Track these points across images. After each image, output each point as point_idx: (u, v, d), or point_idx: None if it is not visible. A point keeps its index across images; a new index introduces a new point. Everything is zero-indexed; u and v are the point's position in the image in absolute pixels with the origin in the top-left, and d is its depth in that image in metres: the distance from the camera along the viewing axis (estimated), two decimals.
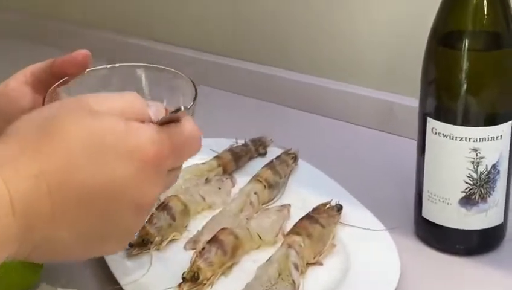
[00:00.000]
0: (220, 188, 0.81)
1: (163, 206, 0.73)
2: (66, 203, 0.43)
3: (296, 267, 0.66)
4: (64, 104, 0.48)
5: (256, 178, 0.80)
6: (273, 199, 0.80)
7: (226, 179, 0.82)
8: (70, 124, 0.44)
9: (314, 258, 0.69)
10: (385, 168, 0.90)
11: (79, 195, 0.44)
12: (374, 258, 0.69)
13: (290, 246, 0.68)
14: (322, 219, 0.72)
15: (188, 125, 0.49)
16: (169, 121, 0.48)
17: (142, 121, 0.47)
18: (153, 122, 0.47)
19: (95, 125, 0.45)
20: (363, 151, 0.95)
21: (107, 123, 0.45)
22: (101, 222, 0.46)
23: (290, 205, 0.78)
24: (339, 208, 0.75)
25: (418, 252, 0.74)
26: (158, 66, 0.59)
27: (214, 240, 0.68)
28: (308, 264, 0.69)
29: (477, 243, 0.72)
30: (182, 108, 0.48)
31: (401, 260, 0.69)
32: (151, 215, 0.72)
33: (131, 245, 0.69)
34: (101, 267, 0.68)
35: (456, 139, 0.67)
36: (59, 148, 0.43)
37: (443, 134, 0.67)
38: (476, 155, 0.67)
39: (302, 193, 0.81)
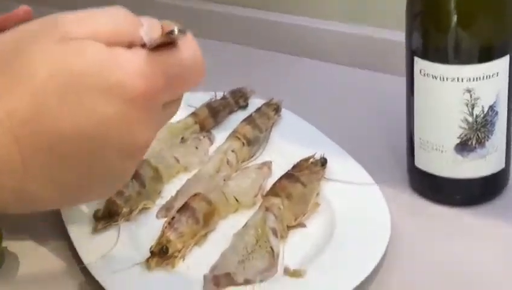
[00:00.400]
0: (197, 148, 0.74)
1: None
2: (36, 152, 0.37)
3: (275, 232, 0.60)
4: (29, 28, 0.39)
5: (234, 135, 0.74)
6: (254, 156, 0.74)
7: (204, 137, 0.76)
8: (36, 56, 0.37)
9: (295, 220, 0.63)
10: (375, 112, 0.82)
11: (51, 142, 0.37)
12: (362, 216, 0.63)
13: (267, 209, 0.62)
14: (303, 176, 0.65)
15: (186, 50, 0.39)
16: (164, 44, 0.39)
17: (131, 45, 0.38)
18: (143, 47, 0.38)
19: (67, 56, 0.37)
20: (351, 94, 0.88)
21: (84, 52, 0.37)
22: (81, 171, 0.39)
23: (271, 161, 0.71)
24: (323, 162, 0.68)
25: (413, 206, 0.67)
26: None
27: (184, 208, 0.62)
28: (290, 227, 0.63)
29: (477, 192, 0.65)
30: (176, 30, 0.38)
31: (395, 215, 0.63)
32: None
33: (96, 218, 0.63)
34: (67, 244, 0.63)
35: (447, 80, 0.60)
36: (25, 87, 0.36)
37: (432, 75, 0.60)
38: (471, 96, 0.60)
39: (286, 147, 0.74)
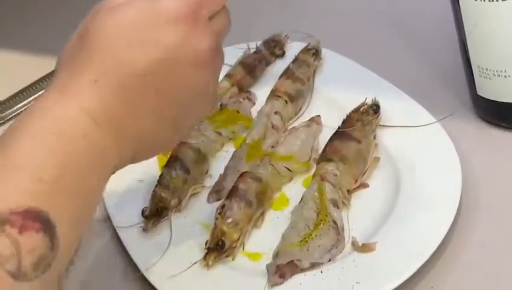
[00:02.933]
0: (238, 112, 0.69)
1: (172, 160, 0.62)
2: (135, 96, 0.43)
3: (335, 203, 0.55)
4: (90, 15, 0.45)
5: (274, 93, 0.68)
6: (300, 111, 0.68)
7: (244, 98, 0.70)
8: (98, 30, 0.43)
9: (356, 182, 0.57)
10: (428, 41, 0.73)
11: (142, 82, 0.43)
12: (428, 164, 0.57)
13: (322, 178, 0.56)
14: (355, 132, 0.59)
15: None
16: None
17: None
18: None
19: (119, 18, 0.43)
20: (400, 25, 0.78)
21: (130, 9, 0.44)
22: (176, 94, 0.45)
23: (319, 115, 0.65)
24: (376, 108, 0.62)
25: (483, 138, 0.61)
26: None
27: (233, 192, 0.57)
28: (352, 191, 0.57)
29: None
30: None
31: (466, 150, 0.58)
32: (161, 176, 0.61)
33: (145, 217, 0.59)
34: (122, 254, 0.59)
35: (497, 0, 0.52)
36: (101, 53, 0.43)
37: None
38: None
39: (333, 93, 0.68)
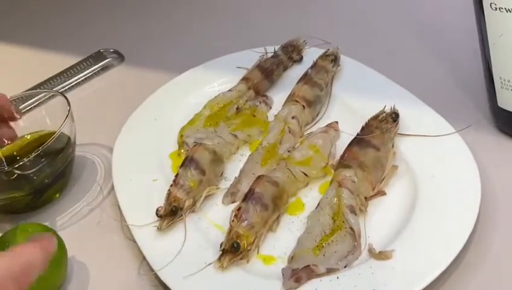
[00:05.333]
0: (254, 116, 0.68)
1: (189, 161, 0.62)
2: None
3: (352, 209, 0.54)
4: None
5: (291, 98, 0.67)
6: (317, 116, 0.68)
7: (260, 102, 0.70)
8: None
9: (373, 189, 0.57)
10: (448, 51, 0.73)
11: None
12: (446, 174, 0.57)
13: (340, 184, 0.56)
14: (374, 139, 0.59)
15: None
16: None
17: None
18: None
19: None
20: (420, 34, 0.79)
21: None
22: None
23: (337, 121, 0.65)
24: (395, 117, 0.61)
25: (502, 149, 0.60)
26: None
27: (249, 195, 0.57)
28: (369, 199, 0.57)
29: None
30: None
31: (484, 162, 0.58)
32: (176, 176, 0.61)
33: (159, 216, 0.59)
34: (136, 253, 0.59)
35: None
36: None
37: (506, 8, 0.52)
38: None
39: (350, 100, 0.68)
